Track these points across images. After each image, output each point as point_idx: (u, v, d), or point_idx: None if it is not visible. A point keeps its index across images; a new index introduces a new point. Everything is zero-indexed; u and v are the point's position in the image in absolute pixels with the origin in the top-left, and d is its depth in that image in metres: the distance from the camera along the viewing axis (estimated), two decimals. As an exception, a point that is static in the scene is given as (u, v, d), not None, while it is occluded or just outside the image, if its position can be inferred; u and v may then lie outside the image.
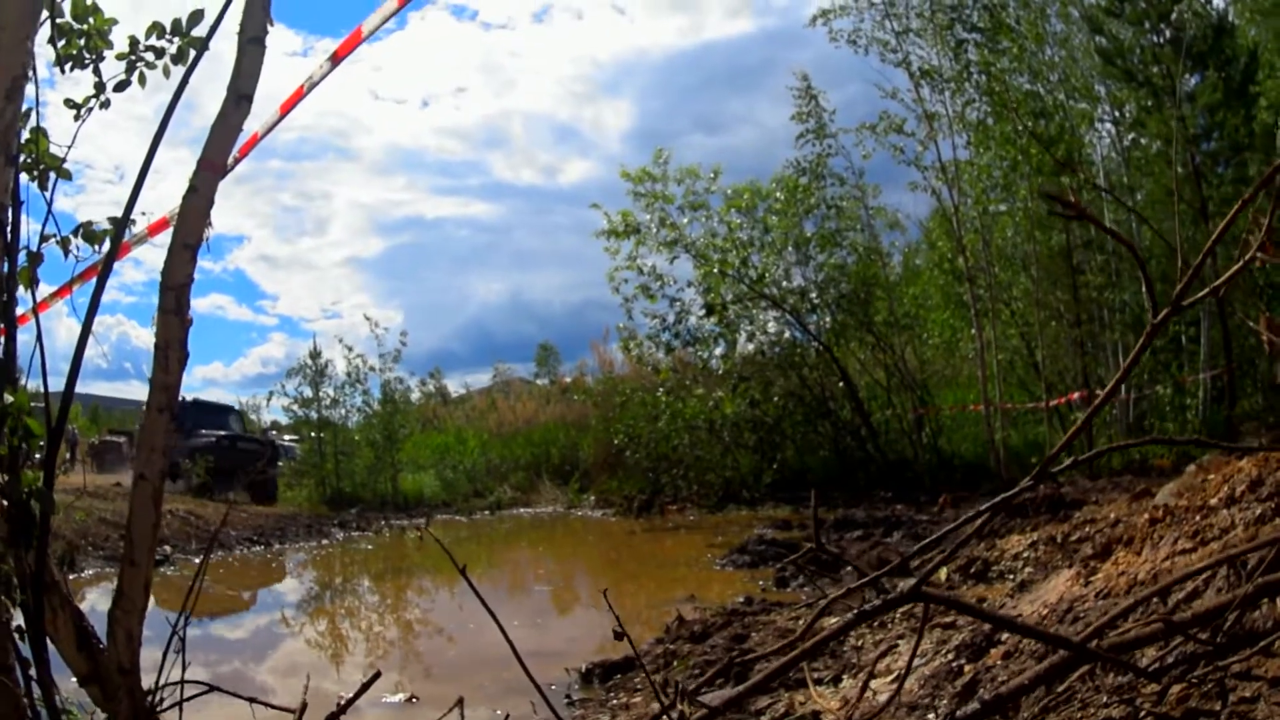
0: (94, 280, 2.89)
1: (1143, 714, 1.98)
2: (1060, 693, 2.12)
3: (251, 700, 2.28)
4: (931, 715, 2.91)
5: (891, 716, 2.90)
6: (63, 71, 2.59)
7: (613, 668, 5.27)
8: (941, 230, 17.80)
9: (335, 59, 3.64)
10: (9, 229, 2.10)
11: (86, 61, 2.61)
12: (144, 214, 2.61)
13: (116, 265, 2.60)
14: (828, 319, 18.90)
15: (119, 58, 2.66)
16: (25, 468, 2.16)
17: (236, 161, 3.54)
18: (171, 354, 2.39)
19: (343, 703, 2.22)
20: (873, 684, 3.53)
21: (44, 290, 2.52)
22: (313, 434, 23.67)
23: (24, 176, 2.35)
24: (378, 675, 2.36)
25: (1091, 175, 16.11)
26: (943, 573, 6.32)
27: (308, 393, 23.95)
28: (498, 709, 4.75)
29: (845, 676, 3.97)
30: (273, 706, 2.42)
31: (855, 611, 1.98)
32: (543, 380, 36.72)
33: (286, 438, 29.70)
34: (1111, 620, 2.04)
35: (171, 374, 2.40)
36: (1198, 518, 3.42)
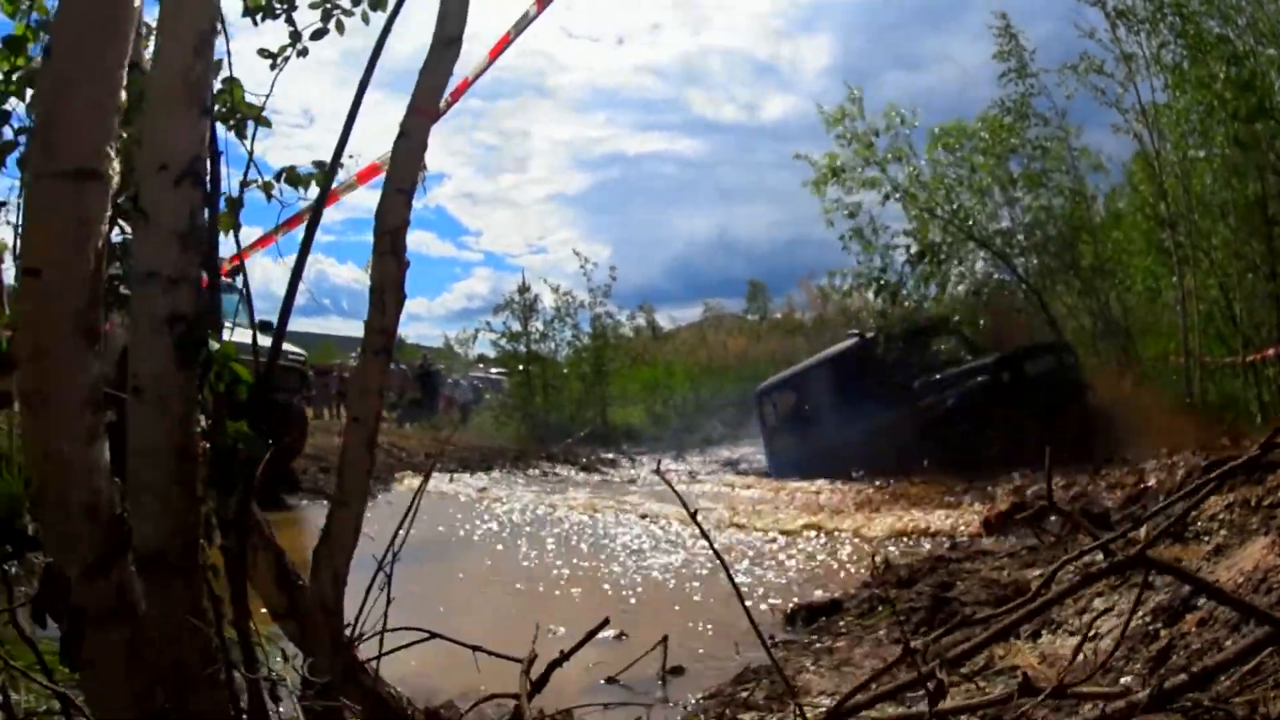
0: (300, 226, 2.95)
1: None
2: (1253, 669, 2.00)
3: (475, 649, 2.23)
4: (1129, 678, 2.79)
5: (1092, 675, 2.77)
6: (255, 23, 2.59)
7: (817, 610, 5.15)
8: (1143, 174, 16.62)
9: (540, 3, 3.66)
10: (208, 179, 2.10)
11: (277, 12, 2.60)
12: (351, 157, 2.57)
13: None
14: (1034, 261, 18.04)
15: (312, 6, 2.63)
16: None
17: (449, 106, 3.56)
18: (388, 296, 2.35)
19: (566, 650, 2.17)
20: (1069, 642, 3.44)
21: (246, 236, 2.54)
22: (520, 367, 24.26)
23: (220, 127, 2.35)
24: (606, 621, 2.30)
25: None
26: (1143, 531, 5.90)
27: (516, 327, 24.52)
28: (700, 647, 4.74)
29: (1044, 632, 3.78)
30: (500, 655, 2.32)
31: (1082, 575, 1.79)
32: (753, 316, 36.58)
33: (494, 371, 30.89)
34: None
35: (389, 316, 2.36)
36: None
